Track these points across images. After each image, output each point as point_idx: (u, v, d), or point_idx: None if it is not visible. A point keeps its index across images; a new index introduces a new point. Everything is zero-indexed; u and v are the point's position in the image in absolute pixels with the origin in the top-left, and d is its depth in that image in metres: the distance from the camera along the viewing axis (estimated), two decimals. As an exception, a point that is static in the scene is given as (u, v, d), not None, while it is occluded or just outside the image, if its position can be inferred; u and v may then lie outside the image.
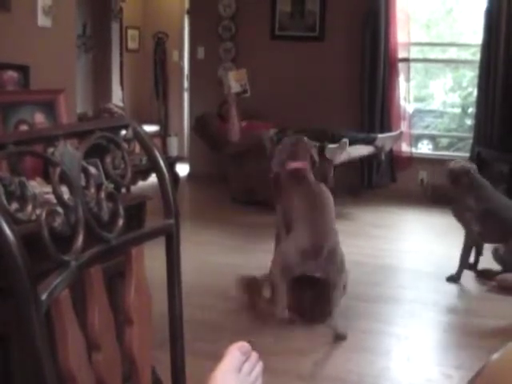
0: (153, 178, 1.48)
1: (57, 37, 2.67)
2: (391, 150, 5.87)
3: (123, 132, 1.08)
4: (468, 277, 3.75)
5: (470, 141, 5.87)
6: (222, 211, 5.39)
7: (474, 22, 5.94)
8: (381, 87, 5.95)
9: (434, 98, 6.57)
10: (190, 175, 6.87)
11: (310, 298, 3.03)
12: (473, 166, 3.75)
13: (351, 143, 5.08)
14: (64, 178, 0.90)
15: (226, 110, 5.82)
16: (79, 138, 1.02)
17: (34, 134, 1.08)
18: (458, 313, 3.30)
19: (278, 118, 5.99)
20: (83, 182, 0.95)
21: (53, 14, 2.61)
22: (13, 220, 0.79)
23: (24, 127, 2.08)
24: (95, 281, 0.96)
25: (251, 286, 3.36)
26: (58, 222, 0.87)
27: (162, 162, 1.11)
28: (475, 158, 5.36)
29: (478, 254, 3.87)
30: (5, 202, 0.80)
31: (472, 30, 6.09)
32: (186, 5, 7.61)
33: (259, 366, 0.97)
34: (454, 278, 3.67)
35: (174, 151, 5.57)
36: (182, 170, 6.49)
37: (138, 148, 1.14)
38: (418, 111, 6.44)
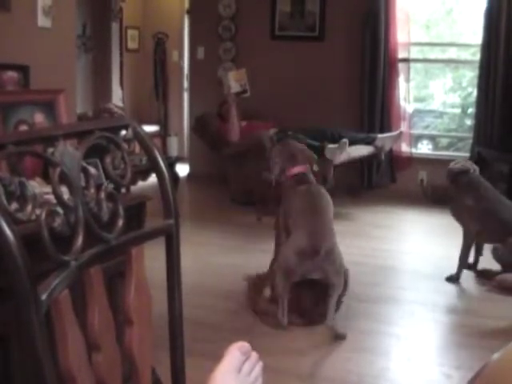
0: (153, 178, 1.48)
1: (57, 37, 2.67)
2: (391, 150, 5.88)
3: (123, 132, 1.08)
4: (468, 277, 3.76)
5: (470, 141, 5.87)
6: (222, 211, 5.39)
7: (474, 22, 5.94)
8: (381, 87, 5.96)
9: (433, 98, 6.57)
10: (189, 175, 6.87)
11: (309, 299, 3.03)
12: (473, 166, 3.75)
13: (351, 143, 5.08)
14: (64, 178, 0.90)
15: (225, 110, 5.82)
16: (79, 138, 1.02)
17: (34, 134, 1.07)
18: (458, 313, 3.30)
19: (278, 118, 5.99)
20: (83, 182, 0.95)
21: (53, 14, 2.61)
22: (13, 220, 0.79)
23: (24, 127, 2.08)
24: (95, 281, 0.95)
25: (255, 284, 3.36)
26: (57, 222, 0.87)
27: (161, 162, 1.11)
28: (475, 158, 5.36)
29: (478, 254, 3.87)
30: (5, 202, 0.80)
31: (472, 30, 6.09)
32: (186, 5, 7.61)
33: (259, 366, 0.97)
34: (453, 278, 3.67)
35: (173, 151, 5.57)
36: (182, 170, 6.49)
37: (137, 148, 1.14)
38: (417, 111, 6.44)
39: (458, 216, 3.71)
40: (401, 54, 6.00)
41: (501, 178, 5.04)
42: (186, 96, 7.96)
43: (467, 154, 5.76)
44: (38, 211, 0.85)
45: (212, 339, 2.73)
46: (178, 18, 8.01)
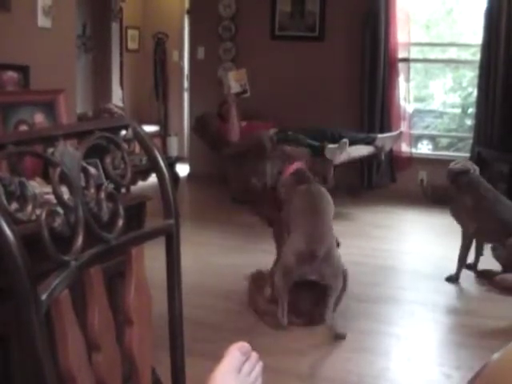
0: (153, 178, 1.48)
1: (57, 37, 2.67)
2: (391, 150, 5.87)
3: (123, 132, 1.08)
4: (468, 277, 3.76)
5: (470, 141, 5.87)
6: (222, 211, 5.39)
7: (474, 22, 5.93)
8: (381, 87, 5.95)
9: (433, 98, 6.57)
10: (189, 175, 6.87)
11: (309, 300, 3.03)
12: (473, 167, 3.76)
13: (351, 143, 5.09)
14: (64, 178, 0.90)
15: (225, 110, 5.82)
16: (79, 138, 1.02)
17: (34, 134, 1.08)
18: (458, 313, 3.30)
19: (278, 118, 5.99)
20: (83, 182, 0.95)
21: (53, 14, 2.61)
22: (13, 220, 0.79)
23: (24, 127, 2.08)
24: (95, 281, 0.95)
25: (255, 283, 3.36)
26: (57, 222, 0.87)
27: (161, 162, 1.11)
28: (475, 158, 5.36)
29: (479, 254, 3.87)
30: (5, 202, 0.80)
31: (472, 30, 6.09)
32: (186, 5, 7.61)
33: (259, 366, 0.97)
34: (452, 279, 3.68)
35: (173, 151, 5.57)
36: (182, 170, 6.49)
37: (138, 148, 1.14)
38: (417, 111, 6.44)
39: (457, 216, 3.72)
40: (401, 54, 5.99)
41: (501, 178, 5.04)
42: (186, 96, 7.96)
43: (467, 154, 5.76)
44: (38, 211, 0.85)
45: (212, 339, 2.73)
46: (177, 18, 8.01)
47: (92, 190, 0.96)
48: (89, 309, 0.95)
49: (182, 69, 8.06)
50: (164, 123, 7.89)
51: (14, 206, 0.82)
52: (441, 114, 6.51)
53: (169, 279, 1.16)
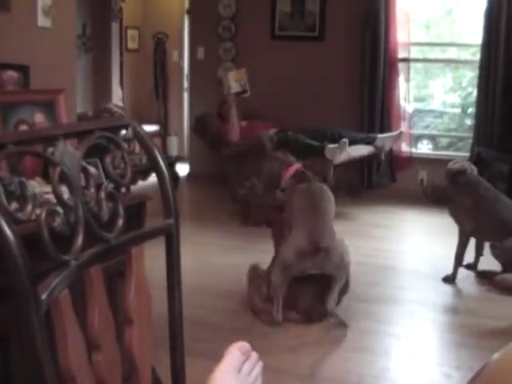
0: (153, 178, 1.48)
1: (57, 37, 2.67)
2: (391, 150, 5.87)
3: (123, 132, 1.08)
4: (468, 277, 3.76)
5: (470, 141, 5.87)
6: (222, 211, 5.39)
7: (474, 22, 5.93)
8: (381, 87, 5.95)
9: (433, 98, 6.57)
10: (189, 175, 6.87)
11: (308, 297, 3.03)
12: (471, 167, 3.76)
13: (351, 143, 5.08)
14: (64, 178, 0.90)
15: (225, 109, 5.81)
16: (79, 137, 1.02)
17: (34, 133, 1.07)
18: (458, 313, 3.30)
19: (278, 118, 5.99)
20: (83, 182, 0.95)
21: (53, 14, 2.61)
22: (13, 220, 0.79)
23: (24, 127, 2.08)
24: (95, 281, 0.95)
25: (252, 281, 3.35)
26: (57, 221, 0.87)
27: (161, 162, 1.11)
28: (475, 157, 5.36)
29: (478, 254, 3.87)
30: (5, 201, 0.80)
31: (472, 30, 6.09)
32: (186, 5, 7.61)
33: (259, 366, 0.97)
34: (449, 279, 3.67)
35: (173, 151, 5.57)
36: (182, 169, 6.49)
37: (138, 148, 1.14)
38: (417, 111, 6.44)
39: (455, 215, 3.72)
40: (401, 54, 5.99)
41: (501, 178, 5.04)
42: (186, 96, 7.96)
43: (467, 154, 5.76)
44: (37, 211, 0.85)
45: (212, 339, 2.73)
46: (178, 18, 8.01)
47: (92, 190, 0.96)
48: (89, 308, 0.95)
49: (181, 69, 8.06)
50: (164, 123, 7.89)
51: (14, 205, 0.82)
52: (441, 114, 6.51)
53: (169, 279, 1.16)
